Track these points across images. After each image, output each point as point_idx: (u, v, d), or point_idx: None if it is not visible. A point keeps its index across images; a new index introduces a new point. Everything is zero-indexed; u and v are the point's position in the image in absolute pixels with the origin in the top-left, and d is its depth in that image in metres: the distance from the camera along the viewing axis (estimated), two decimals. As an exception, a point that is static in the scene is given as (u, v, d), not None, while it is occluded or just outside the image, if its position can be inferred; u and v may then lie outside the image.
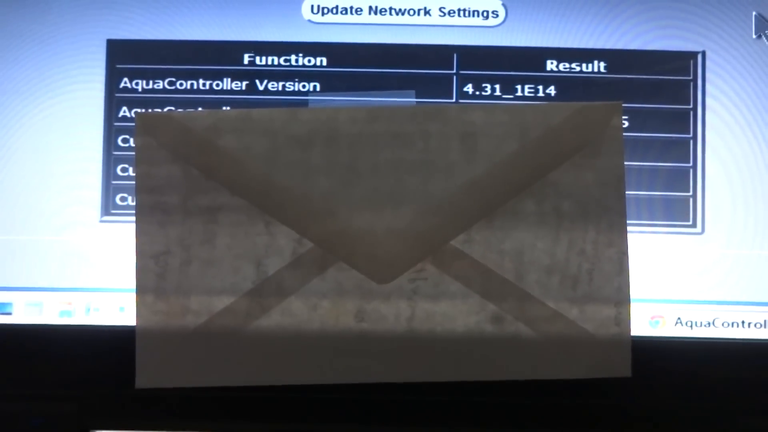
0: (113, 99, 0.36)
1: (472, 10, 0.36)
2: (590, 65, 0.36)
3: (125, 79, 0.36)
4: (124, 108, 0.36)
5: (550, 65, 0.36)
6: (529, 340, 0.32)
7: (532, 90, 0.36)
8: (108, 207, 0.36)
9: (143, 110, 0.36)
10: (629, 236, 0.32)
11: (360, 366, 0.32)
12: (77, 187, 0.36)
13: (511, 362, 0.32)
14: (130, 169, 0.36)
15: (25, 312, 0.36)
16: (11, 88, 0.36)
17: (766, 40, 0.36)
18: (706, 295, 0.36)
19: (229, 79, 0.36)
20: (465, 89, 0.36)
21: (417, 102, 0.36)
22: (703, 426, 0.36)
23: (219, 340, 0.32)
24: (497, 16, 0.36)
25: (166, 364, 0.32)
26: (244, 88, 0.36)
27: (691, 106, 0.36)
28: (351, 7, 0.37)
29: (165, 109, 0.36)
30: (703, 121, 0.36)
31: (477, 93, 0.36)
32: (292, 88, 0.36)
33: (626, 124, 0.36)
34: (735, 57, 0.36)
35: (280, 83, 0.36)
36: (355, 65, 0.36)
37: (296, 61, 0.36)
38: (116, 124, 0.36)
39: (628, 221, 0.32)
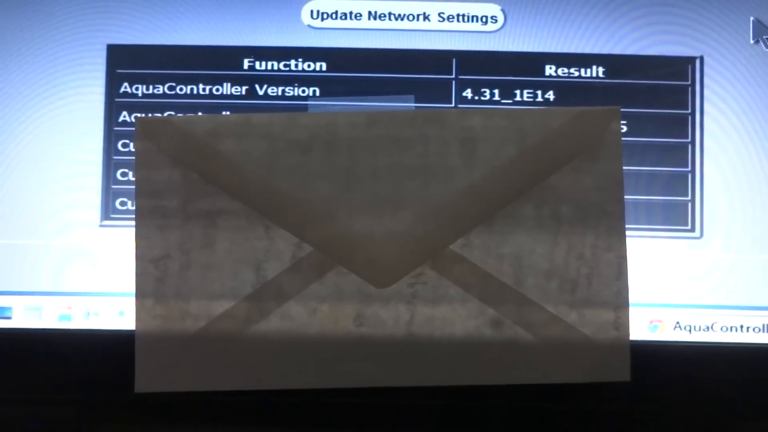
0: (113, 104, 0.36)
1: (471, 15, 0.37)
2: (589, 70, 0.36)
3: (125, 84, 0.36)
4: (124, 113, 0.36)
5: (549, 70, 0.36)
6: (528, 345, 0.32)
7: (531, 95, 0.36)
8: (108, 211, 0.36)
9: (143, 115, 0.36)
10: (628, 241, 0.32)
11: (359, 370, 0.32)
12: (77, 191, 0.36)
13: (510, 367, 0.32)
14: (130, 173, 0.36)
15: (25, 316, 0.36)
16: (12, 92, 0.36)
17: (763, 45, 0.36)
18: (705, 300, 0.36)
19: (229, 84, 0.36)
20: (464, 94, 0.36)
21: (416, 107, 0.36)
22: (702, 430, 0.36)
23: (218, 344, 0.32)
24: (496, 21, 0.37)
25: (166, 368, 0.32)
26: (243, 92, 0.36)
27: (689, 111, 0.36)
28: (350, 13, 0.37)
29: (165, 114, 0.36)
30: (701, 126, 0.36)
31: (476, 98, 0.36)
32: (291, 93, 0.36)
33: (625, 128, 0.36)
34: (733, 62, 0.36)
35: (280, 88, 0.37)
36: (355, 70, 0.36)
37: (296, 66, 0.37)
38: (116, 128, 0.36)
39: (626, 226, 0.32)
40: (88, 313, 0.36)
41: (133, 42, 0.37)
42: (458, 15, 0.37)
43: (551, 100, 0.36)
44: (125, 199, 0.36)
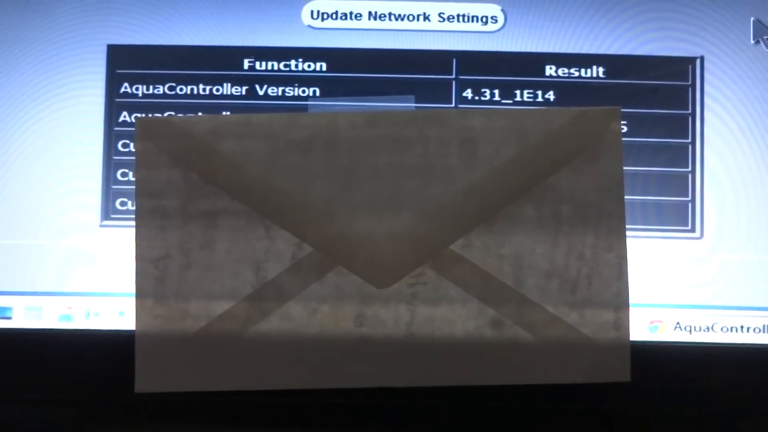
0: (113, 104, 0.36)
1: (471, 15, 0.37)
2: (589, 70, 0.36)
3: (125, 84, 0.37)
4: (125, 113, 0.36)
5: (549, 70, 0.36)
6: (528, 345, 0.32)
7: (531, 95, 0.36)
8: (108, 211, 0.36)
9: (143, 115, 0.36)
10: (628, 241, 0.32)
11: (359, 371, 0.32)
12: (77, 191, 0.36)
13: (510, 367, 0.32)
14: (130, 173, 0.36)
15: (25, 316, 0.36)
16: (12, 93, 0.36)
17: (764, 46, 0.36)
18: (705, 300, 0.36)
19: (229, 84, 0.36)
20: (464, 94, 0.36)
21: (416, 107, 0.36)
22: (702, 431, 0.36)
23: (218, 345, 0.32)
24: (496, 21, 0.37)
25: (166, 368, 0.32)
26: (244, 93, 0.36)
27: (689, 111, 0.36)
28: (351, 13, 0.37)
29: (165, 114, 0.36)
30: (701, 126, 0.36)
31: (476, 98, 0.36)
32: (291, 93, 0.36)
33: (625, 129, 0.36)
34: (733, 62, 0.36)
35: (280, 88, 0.37)
36: (355, 70, 0.36)
37: (296, 66, 0.37)
38: (116, 128, 0.36)
39: (627, 226, 0.32)
40: (89, 314, 0.36)
41: (134, 42, 0.37)
42: (458, 15, 0.37)
43: (551, 100, 0.36)
44: (125, 200, 0.36)
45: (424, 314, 0.32)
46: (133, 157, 0.32)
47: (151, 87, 0.36)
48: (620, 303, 0.32)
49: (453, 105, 0.36)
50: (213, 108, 0.36)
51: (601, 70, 0.36)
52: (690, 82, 0.36)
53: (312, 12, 0.37)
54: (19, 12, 0.37)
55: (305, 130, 0.32)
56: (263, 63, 0.37)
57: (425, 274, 0.32)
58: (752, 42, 0.36)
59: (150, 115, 0.36)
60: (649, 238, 0.36)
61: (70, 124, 0.36)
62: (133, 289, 0.32)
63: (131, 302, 0.32)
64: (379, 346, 0.32)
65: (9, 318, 0.36)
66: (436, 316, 0.32)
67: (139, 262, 0.32)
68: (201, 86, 0.36)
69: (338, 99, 0.36)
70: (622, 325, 0.32)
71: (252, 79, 0.36)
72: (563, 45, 0.36)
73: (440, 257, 0.32)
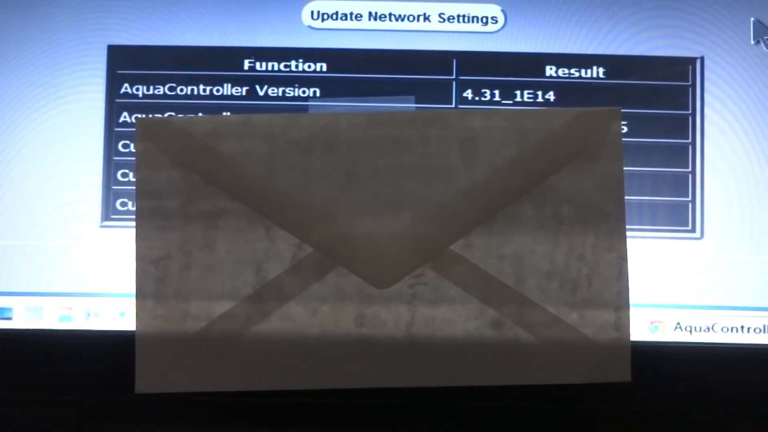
0: (114, 104, 0.36)
1: (471, 16, 0.37)
2: (589, 71, 0.36)
3: (126, 85, 0.37)
4: (125, 113, 0.36)
5: (550, 71, 0.36)
6: (528, 345, 0.32)
7: (531, 95, 0.36)
8: (108, 212, 0.36)
9: (144, 116, 0.36)
10: (628, 241, 0.32)
11: (359, 371, 0.32)
12: (78, 192, 0.36)
13: (510, 367, 0.32)
14: (131, 174, 0.36)
15: (25, 317, 0.36)
16: (12, 94, 0.36)
17: (764, 46, 0.36)
18: (706, 300, 0.36)
19: (230, 85, 0.36)
20: (464, 95, 0.36)
21: (417, 107, 0.36)
22: (702, 431, 0.36)
23: (219, 345, 0.32)
24: (496, 21, 0.37)
25: (166, 369, 0.32)
26: (244, 93, 0.36)
27: (690, 112, 0.36)
28: (351, 13, 0.37)
29: (165, 115, 0.36)
30: (702, 127, 0.36)
31: (476, 98, 0.36)
32: (292, 94, 0.36)
33: (625, 129, 0.36)
34: (734, 63, 0.36)
35: (280, 89, 0.37)
36: (355, 71, 0.36)
37: (296, 66, 0.37)
38: (117, 129, 0.36)
39: (627, 226, 0.32)
40: (89, 314, 0.36)
41: (134, 43, 0.37)
42: (458, 16, 0.37)
43: (551, 100, 0.36)
44: (126, 200, 0.36)
45: (424, 315, 0.32)
46: (134, 158, 0.32)
47: (151, 87, 0.36)
48: (620, 303, 0.32)
49: (453, 105, 0.36)
50: (213, 108, 0.36)
51: (601, 70, 0.36)
52: (690, 82, 0.36)
53: (312, 12, 0.37)
54: (19, 12, 0.37)
55: (305, 131, 0.32)
56: (263, 63, 0.37)
57: (425, 274, 0.32)
58: (752, 42, 0.36)
59: (150, 116, 0.36)
60: (649, 239, 0.36)
61: (70, 124, 0.36)
62: (133, 290, 0.32)
63: (131, 302, 0.32)
64: (379, 347, 0.32)
65: (9, 318, 0.36)
66: (436, 317, 0.32)
67: (139, 263, 0.32)
68: (201, 87, 0.36)
69: (338, 99, 0.36)
70: (623, 325, 0.32)
71: (252, 80, 0.36)
72: (563, 45, 0.36)
73: (440, 257, 0.32)
